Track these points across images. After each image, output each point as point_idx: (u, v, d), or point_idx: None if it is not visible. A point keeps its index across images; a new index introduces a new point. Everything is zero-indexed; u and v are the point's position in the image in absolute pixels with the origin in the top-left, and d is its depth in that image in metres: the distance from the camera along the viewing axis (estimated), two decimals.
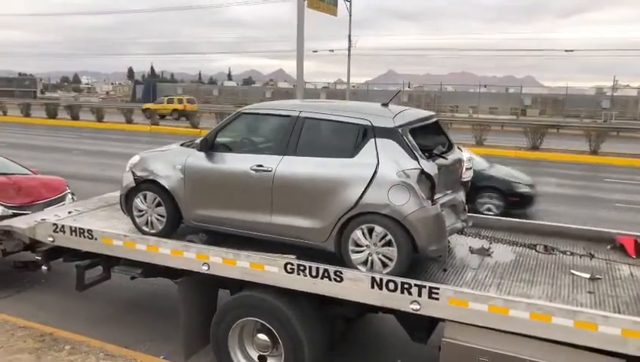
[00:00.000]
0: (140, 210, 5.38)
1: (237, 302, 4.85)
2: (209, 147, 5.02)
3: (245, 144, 5.11)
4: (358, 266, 4.42)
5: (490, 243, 5.34)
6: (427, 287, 4.03)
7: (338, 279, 4.32)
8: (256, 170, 4.74)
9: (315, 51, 42.66)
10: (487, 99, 50.39)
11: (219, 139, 5.07)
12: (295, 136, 4.69)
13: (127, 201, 5.45)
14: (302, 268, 4.42)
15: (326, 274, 4.35)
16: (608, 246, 5.32)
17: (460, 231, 5.18)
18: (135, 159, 5.46)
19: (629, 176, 16.96)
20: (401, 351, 5.45)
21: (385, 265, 4.34)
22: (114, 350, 5.30)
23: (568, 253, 5.07)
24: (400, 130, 4.42)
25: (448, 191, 4.87)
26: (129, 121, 31.76)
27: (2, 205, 6.92)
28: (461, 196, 5.12)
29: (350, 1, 33.92)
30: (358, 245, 4.41)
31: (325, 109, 4.78)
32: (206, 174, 5.02)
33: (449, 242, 5.28)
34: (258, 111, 5.09)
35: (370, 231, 4.34)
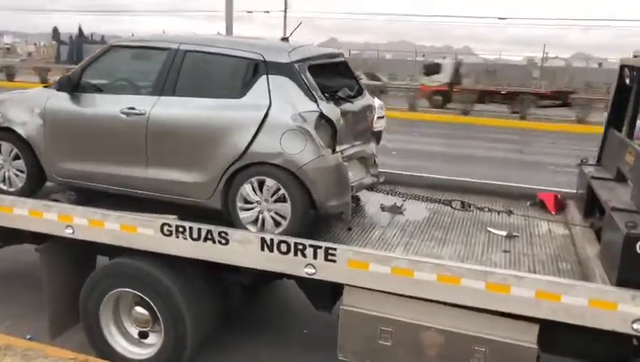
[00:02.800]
0: None
1: (108, 271, 4.13)
2: (72, 87, 4.18)
3: (116, 83, 4.30)
4: (248, 226, 3.79)
5: (404, 201, 4.84)
6: (323, 248, 3.47)
7: (223, 241, 3.68)
8: (127, 114, 3.97)
9: (250, 12, 40.87)
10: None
11: (85, 78, 4.23)
12: (173, 74, 3.94)
13: None
14: (181, 229, 3.75)
15: (209, 236, 3.70)
16: (528, 203, 4.95)
17: (370, 187, 4.64)
18: None
19: (552, 140, 17.17)
20: (311, 320, 4.92)
21: (278, 224, 3.73)
22: None
23: (486, 209, 4.65)
24: (297, 65, 3.76)
25: (357, 142, 4.29)
26: (44, 81, 29.42)
27: None
28: (372, 148, 4.56)
29: None
30: (247, 201, 3.77)
31: (210, 42, 4.04)
32: (69, 119, 4.19)
33: (359, 199, 4.76)
34: (131, 43, 4.28)
35: (261, 184, 3.71)
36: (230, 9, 21.53)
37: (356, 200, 4.71)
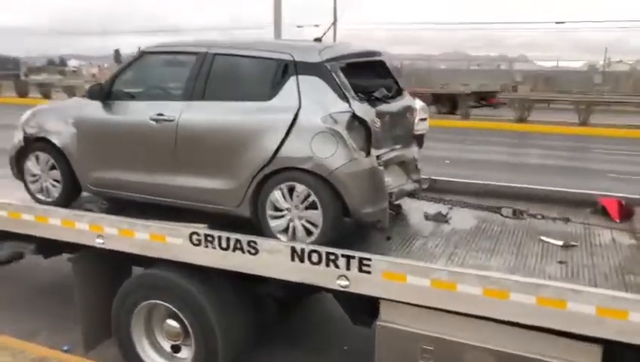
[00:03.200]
0: (34, 175, 4.50)
1: (138, 282, 4.03)
2: (105, 95, 4.14)
3: (147, 90, 4.22)
4: (278, 235, 3.59)
5: (450, 208, 4.50)
6: (357, 258, 3.21)
7: (252, 251, 3.49)
8: (156, 120, 3.87)
9: (300, 26, 40.90)
10: (479, 76, 49.28)
11: (118, 86, 4.18)
12: (202, 77, 3.81)
13: (17, 164, 4.57)
14: (210, 238, 3.58)
15: (238, 246, 3.52)
16: (588, 210, 4.50)
17: (412, 194, 4.34)
18: (27, 114, 4.58)
19: (621, 146, 16.15)
20: (353, 335, 4.62)
21: (309, 233, 3.50)
22: (5, 342, 4.46)
23: (540, 216, 4.25)
24: (328, 65, 3.54)
25: (397, 146, 4.03)
26: None
27: None
28: (413, 152, 4.28)
29: None
30: (277, 209, 3.57)
31: (239, 44, 3.90)
32: (101, 127, 4.15)
33: (400, 207, 4.47)
34: (162, 49, 4.19)
35: (292, 190, 3.50)
36: (279, 24, 21.69)
37: (397, 208, 4.42)
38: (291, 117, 3.47)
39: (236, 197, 3.67)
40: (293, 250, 3.37)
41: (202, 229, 3.64)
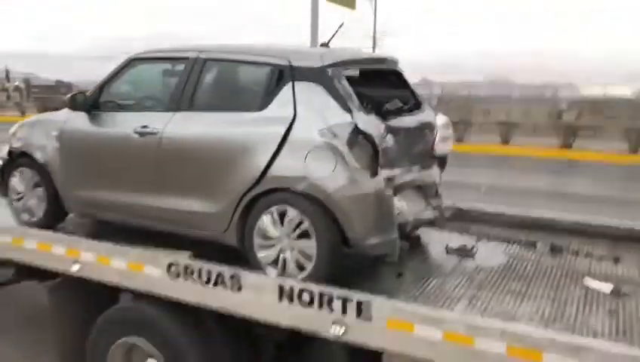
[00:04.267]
0: (19, 192, 4.16)
1: (116, 316, 3.56)
2: (89, 106, 3.77)
3: (135, 100, 3.85)
4: (267, 268, 3.08)
5: (478, 241, 3.90)
6: (354, 300, 2.65)
7: (236, 287, 2.98)
8: (141, 133, 3.46)
9: None
10: (522, 103, 47.98)
11: (104, 95, 3.81)
12: (191, 85, 3.39)
13: (3, 180, 4.24)
14: (190, 270, 3.10)
15: (220, 280, 3.02)
16: None
17: (432, 223, 3.77)
18: (15, 126, 4.27)
19: None
20: None
21: (302, 268, 2.98)
22: None
23: (583, 254, 3.59)
24: (330, 70, 3.06)
25: (414, 167, 3.49)
26: None
27: None
28: (433, 175, 3.72)
29: None
30: (266, 237, 3.07)
31: (234, 49, 3.47)
32: (83, 142, 3.78)
33: (419, 238, 3.90)
34: (152, 55, 3.79)
35: (283, 216, 3.00)
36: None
37: (415, 239, 3.85)
38: (284, 129, 2.98)
39: (222, 221, 3.19)
40: (281, 287, 2.84)
41: (182, 259, 3.17)
